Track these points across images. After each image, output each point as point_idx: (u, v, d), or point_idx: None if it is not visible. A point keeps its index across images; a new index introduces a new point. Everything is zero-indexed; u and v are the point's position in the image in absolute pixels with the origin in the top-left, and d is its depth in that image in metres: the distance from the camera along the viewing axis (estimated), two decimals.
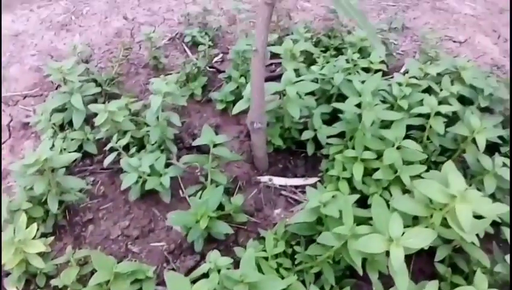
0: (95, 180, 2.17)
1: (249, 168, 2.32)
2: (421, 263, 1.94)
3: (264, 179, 2.27)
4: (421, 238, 1.50)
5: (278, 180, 2.27)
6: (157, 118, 2.12)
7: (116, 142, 2.06)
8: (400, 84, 2.30)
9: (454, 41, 3.30)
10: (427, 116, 2.14)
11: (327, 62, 2.63)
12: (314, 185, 2.13)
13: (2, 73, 1.65)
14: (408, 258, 1.95)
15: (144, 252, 1.90)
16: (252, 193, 2.19)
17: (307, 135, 2.25)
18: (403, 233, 1.48)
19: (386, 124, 2.11)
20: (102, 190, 2.12)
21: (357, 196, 1.83)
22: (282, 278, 1.69)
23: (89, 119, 2.28)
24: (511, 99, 1.29)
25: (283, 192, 2.22)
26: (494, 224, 1.88)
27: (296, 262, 1.79)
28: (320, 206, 1.71)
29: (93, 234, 1.95)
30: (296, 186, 2.24)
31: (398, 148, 1.95)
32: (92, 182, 2.15)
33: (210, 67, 2.90)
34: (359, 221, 1.69)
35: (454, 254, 1.85)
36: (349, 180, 2.00)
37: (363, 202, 1.96)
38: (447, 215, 1.58)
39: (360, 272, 1.57)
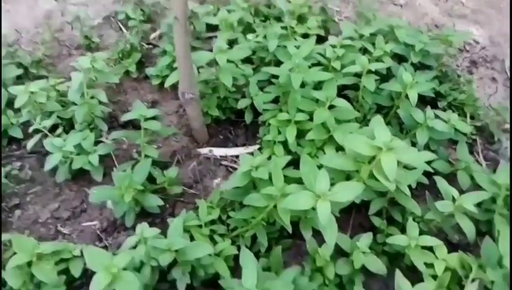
0: (22, 165, 2.06)
1: (188, 142, 2.26)
2: (360, 218, 1.94)
3: (204, 151, 2.22)
4: (348, 191, 1.48)
5: (218, 151, 2.22)
6: (83, 96, 2.03)
7: (40, 124, 1.96)
8: (333, 46, 2.28)
9: (395, 4, 3.30)
10: (360, 75, 2.13)
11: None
12: (253, 153, 2.09)
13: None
14: (348, 214, 1.97)
15: (75, 233, 1.83)
16: (191, 165, 2.13)
17: (243, 103, 2.20)
18: (330, 188, 1.46)
19: (321, 86, 2.08)
20: (30, 174, 2.02)
21: (288, 158, 1.80)
22: (216, 244, 1.65)
23: (13, 103, 2.15)
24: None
25: (223, 162, 2.18)
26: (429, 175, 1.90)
27: (230, 228, 1.76)
28: (251, 170, 1.67)
29: (21, 219, 1.86)
30: (237, 156, 2.20)
31: (330, 107, 1.93)
32: (19, 167, 2.05)
33: (148, 44, 2.80)
34: (292, 182, 1.66)
35: (390, 207, 1.85)
36: (285, 144, 1.97)
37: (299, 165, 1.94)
38: (374, 168, 1.57)
39: (290, 230, 1.55)
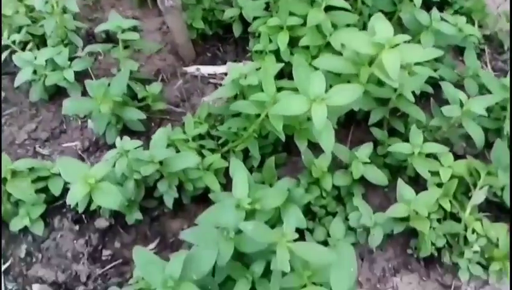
0: None
1: (173, 60, 2.08)
2: (359, 133, 1.81)
3: (191, 69, 2.05)
4: (346, 94, 1.34)
5: (206, 69, 2.06)
6: (52, 7, 1.82)
7: (8, 38, 1.78)
8: None
9: None
10: None
11: None
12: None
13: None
14: (346, 129, 1.84)
15: (55, 154, 1.70)
16: (178, 84, 1.98)
17: (230, 12, 2.00)
18: (326, 91, 1.32)
19: None
20: (3, 95, 1.87)
21: (280, 65, 1.64)
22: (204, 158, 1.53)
23: None
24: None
25: (212, 80, 2.02)
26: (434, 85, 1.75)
27: (220, 142, 1.63)
28: (240, 78, 1.52)
29: None
30: (226, 73, 2.03)
31: (326, 10, 1.74)
32: None
33: None
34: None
35: (391, 118, 1.72)
36: (277, 53, 1.80)
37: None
38: (375, 68, 1.42)
39: (283, 138, 1.42)
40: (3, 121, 1.80)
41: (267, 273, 1.28)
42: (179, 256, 1.14)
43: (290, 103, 1.35)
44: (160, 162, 1.38)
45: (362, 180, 1.61)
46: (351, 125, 1.85)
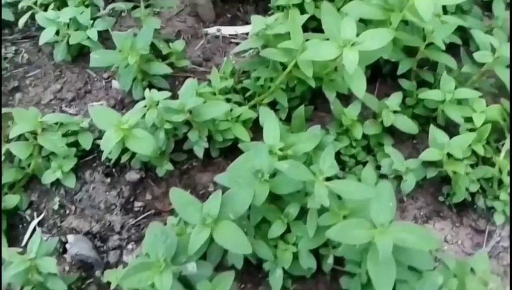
0: (18, 50, 1.91)
1: (193, 22, 2.07)
2: (385, 87, 1.79)
3: (212, 30, 2.04)
4: (377, 39, 1.32)
5: (227, 30, 2.04)
6: None
7: None
8: None
9: None
10: None
11: None
12: None
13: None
14: (371, 85, 1.82)
15: (82, 113, 1.71)
16: (199, 44, 1.96)
17: None
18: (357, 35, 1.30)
19: None
20: (26, 57, 1.88)
21: (306, 16, 1.61)
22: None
23: None
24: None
25: (233, 40, 2.00)
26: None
27: (247, 94, 1.62)
28: (266, 29, 1.50)
29: (22, 102, 1.74)
30: (247, 33, 2.01)
31: None
32: (14, 52, 1.90)
33: None
34: None
35: (419, 70, 1.69)
36: (300, 7, 1.77)
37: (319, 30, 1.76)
38: (406, 12, 1.40)
39: (312, 84, 1.41)
40: (27, 82, 1.81)
41: (301, 216, 1.29)
42: (217, 195, 1.14)
43: (320, 49, 1.33)
44: (190, 112, 1.38)
45: (391, 132, 1.60)
46: (377, 81, 1.83)
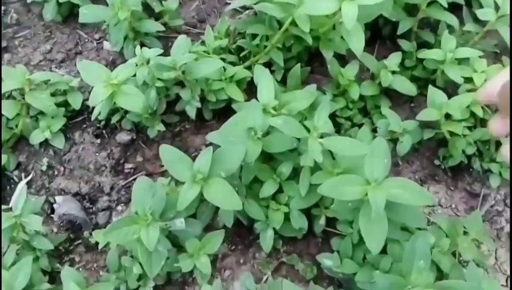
0: (7, 10, 1.84)
1: None
2: (384, 49, 1.74)
3: None
4: None
5: None
6: None
7: None
8: None
9: None
10: None
11: None
12: None
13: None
14: (371, 47, 1.77)
15: (72, 74, 1.66)
16: (194, 5, 1.90)
17: None
18: None
19: None
20: (15, 17, 1.81)
21: None
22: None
23: None
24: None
25: (229, 1, 1.94)
26: None
27: (242, 55, 1.57)
28: None
29: (11, 62, 1.69)
30: None
31: None
32: (3, 12, 1.83)
33: None
34: None
35: (420, 31, 1.63)
36: None
37: None
38: None
39: (310, 42, 1.36)
40: (16, 42, 1.76)
41: (293, 176, 1.26)
42: (208, 152, 1.11)
43: (317, 3, 1.27)
44: (182, 71, 1.33)
45: (388, 95, 1.57)
46: (376, 43, 1.77)
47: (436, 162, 1.49)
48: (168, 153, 1.13)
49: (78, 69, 1.25)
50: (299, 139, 1.19)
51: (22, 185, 1.25)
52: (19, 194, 1.15)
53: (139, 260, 1.14)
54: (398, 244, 1.13)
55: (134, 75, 1.35)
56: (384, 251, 1.14)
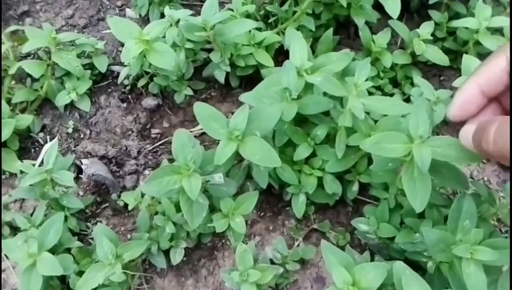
0: None
1: None
2: (412, 24, 1.70)
3: None
4: None
5: None
6: None
7: None
8: None
9: None
10: None
11: None
12: None
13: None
14: (399, 18, 1.73)
15: (94, 39, 1.63)
16: None
17: None
18: None
19: None
20: None
21: None
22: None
23: None
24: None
25: None
26: None
27: (270, 21, 1.54)
28: None
29: (33, 26, 1.66)
30: None
31: None
32: None
33: None
34: None
35: (451, 1, 1.60)
36: None
37: None
38: None
39: (344, 4, 1.33)
40: (38, 7, 1.72)
41: (326, 141, 1.23)
42: (244, 110, 1.08)
43: None
44: (213, 34, 1.31)
45: (418, 66, 1.54)
46: (403, 17, 1.74)
47: None
48: (202, 109, 1.10)
49: (109, 25, 1.22)
50: (334, 100, 1.17)
51: (51, 146, 1.22)
52: (49, 151, 1.12)
53: (172, 219, 1.13)
54: (436, 209, 1.10)
55: (164, 37, 1.32)
56: (422, 217, 1.12)
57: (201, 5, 1.70)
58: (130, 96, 1.49)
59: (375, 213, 1.19)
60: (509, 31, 1.41)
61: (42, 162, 1.34)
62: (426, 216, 1.11)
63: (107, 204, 1.33)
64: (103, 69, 1.44)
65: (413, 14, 1.73)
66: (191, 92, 1.43)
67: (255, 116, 1.10)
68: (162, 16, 1.59)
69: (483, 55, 1.47)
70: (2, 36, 1.44)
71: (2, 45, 1.41)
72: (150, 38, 1.19)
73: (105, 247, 1.02)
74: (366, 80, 1.14)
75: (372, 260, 1.13)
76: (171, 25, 1.33)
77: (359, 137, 1.13)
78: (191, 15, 1.64)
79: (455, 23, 1.43)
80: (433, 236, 0.90)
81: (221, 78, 1.40)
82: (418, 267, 1.05)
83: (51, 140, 1.41)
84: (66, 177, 1.10)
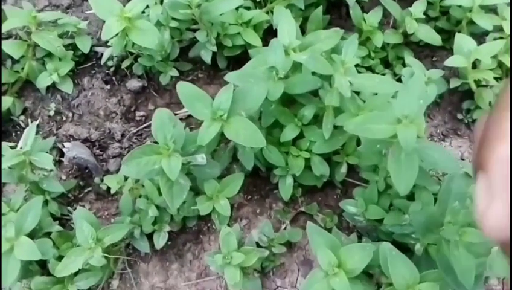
0: None
1: None
2: (404, 3, 1.66)
3: None
4: None
5: None
6: None
7: None
8: None
9: None
10: None
11: None
12: None
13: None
14: None
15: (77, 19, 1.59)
16: None
17: None
18: None
19: None
20: None
21: None
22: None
23: None
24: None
25: None
26: None
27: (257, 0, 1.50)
28: None
29: (16, 5, 1.61)
30: None
31: None
32: None
33: None
34: None
35: None
36: None
37: None
38: None
39: None
40: None
41: (314, 122, 1.20)
42: (228, 89, 1.05)
43: None
44: (198, 8, 1.26)
45: (410, 47, 1.50)
46: None
47: (459, 116, 1.44)
48: (186, 89, 1.06)
49: (90, 2, 1.18)
50: (322, 79, 1.13)
51: (30, 128, 1.18)
52: (28, 133, 1.09)
53: (155, 202, 1.10)
54: (426, 191, 1.08)
55: (148, 16, 1.28)
56: (411, 199, 1.09)
57: None
58: (114, 78, 1.45)
59: (363, 195, 1.16)
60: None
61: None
62: (416, 198, 1.08)
63: (90, 188, 1.30)
64: (86, 50, 1.40)
65: None
66: (176, 73, 1.39)
67: (240, 95, 1.07)
68: None
69: (476, 34, 1.44)
70: None
71: None
72: (132, 15, 1.14)
73: (85, 231, 0.99)
74: (355, 57, 1.12)
75: (359, 242, 1.11)
76: (156, 3, 1.28)
77: (347, 117, 1.10)
78: None
79: (448, 1, 1.40)
80: (421, 218, 0.88)
81: (207, 58, 1.36)
82: (406, 249, 1.03)
83: (32, 122, 1.37)
84: (45, 159, 1.07)
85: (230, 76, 1.17)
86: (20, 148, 1.25)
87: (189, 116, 1.40)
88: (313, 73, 1.16)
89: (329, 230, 1.13)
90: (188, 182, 0.96)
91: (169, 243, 1.17)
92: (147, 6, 1.30)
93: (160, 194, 1.09)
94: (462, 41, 1.31)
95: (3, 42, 1.33)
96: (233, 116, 1.05)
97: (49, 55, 1.36)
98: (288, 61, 1.14)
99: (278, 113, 1.17)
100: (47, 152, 1.13)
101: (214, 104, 1.04)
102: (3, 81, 1.35)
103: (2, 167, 1.04)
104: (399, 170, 0.98)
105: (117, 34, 1.16)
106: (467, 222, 0.87)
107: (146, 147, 0.90)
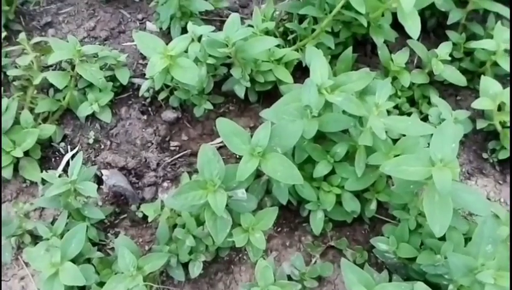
0: None
1: None
2: (429, 44, 1.72)
3: None
4: None
5: None
6: None
7: None
8: None
9: None
10: None
11: None
12: None
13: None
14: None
15: (116, 52, 1.66)
16: None
17: None
18: None
19: None
20: None
21: None
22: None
23: None
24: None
25: None
26: None
27: (289, 38, 1.57)
28: None
29: (55, 37, 1.69)
30: None
31: None
32: None
33: None
34: None
35: (469, 23, 1.62)
36: None
37: None
38: None
39: (364, 23, 1.35)
40: (60, 18, 1.76)
41: (345, 159, 1.24)
42: (266, 126, 1.10)
43: None
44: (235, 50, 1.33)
45: (434, 86, 1.55)
46: (420, 37, 1.75)
47: (485, 155, 1.47)
48: (224, 125, 1.11)
49: (135, 40, 1.25)
50: (355, 119, 1.18)
51: (68, 158, 1.24)
52: (75, 162, 1.14)
53: (192, 233, 1.14)
54: (456, 231, 1.10)
55: (186, 52, 1.35)
56: (442, 238, 1.12)
57: (221, 21, 1.77)
58: (150, 109, 1.51)
59: (394, 233, 1.19)
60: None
61: (63, 171, 1.37)
62: (447, 238, 1.11)
63: (125, 215, 1.35)
64: (125, 82, 1.47)
65: (429, 33, 1.74)
66: (211, 106, 1.45)
67: (276, 132, 1.12)
68: (183, 30, 1.62)
69: (500, 76, 1.49)
70: (27, 47, 1.47)
71: (27, 56, 1.44)
72: (175, 53, 1.21)
73: (126, 258, 1.03)
74: (386, 99, 1.16)
75: (390, 279, 1.13)
76: (193, 40, 1.35)
77: (379, 156, 1.14)
78: (212, 31, 1.68)
79: (473, 44, 1.45)
80: (457, 261, 0.90)
81: (241, 93, 1.42)
82: (437, 288, 1.05)
83: (71, 150, 1.43)
84: (89, 188, 1.12)
85: (265, 113, 1.22)
86: (60, 175, 1.31)
87: (221, 147, 1.45)
88: (344, 112, 1.20)
89: (360, 266, 1.15)
90: (230, 216, 1.00)
91: (201, 271, 1.20)
92: None
93: (198, 225, 1.14)
94: (488, 83, 1.36)
95: (47, 72, 1.40)
96: (270, 152, 1.10)
97: (90, 86, 1.43)
98: (321, 100, 1.19)
99: (311, 149, 1.22)
100: (89, 180, 1.18)
101: (253, 140, 1.09)
102: (46, 109, 1.42)
103: (50, 194, 1.08)
104: (433, 211, 1.01)
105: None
106: (500, 265, 0.90)
107: (193, 182, 0.94)
